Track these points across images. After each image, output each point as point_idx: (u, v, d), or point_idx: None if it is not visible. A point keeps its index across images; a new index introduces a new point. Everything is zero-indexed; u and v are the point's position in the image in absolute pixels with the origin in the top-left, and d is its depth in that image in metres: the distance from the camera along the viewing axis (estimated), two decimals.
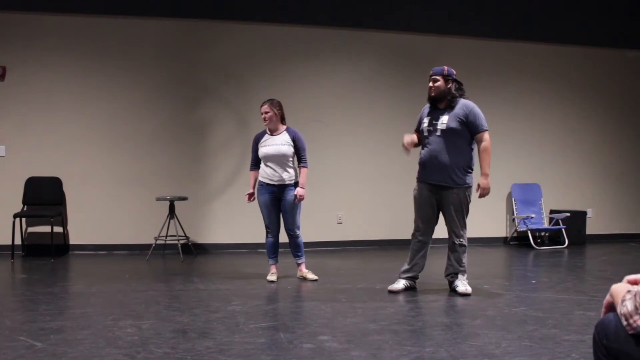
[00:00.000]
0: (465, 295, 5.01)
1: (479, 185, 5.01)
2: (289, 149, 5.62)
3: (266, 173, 5.67)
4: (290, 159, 5.67)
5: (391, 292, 5.17)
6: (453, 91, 5.04)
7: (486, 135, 5.00)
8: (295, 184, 5.67)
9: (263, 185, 5.69)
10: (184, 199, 7.42)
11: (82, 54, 7.75)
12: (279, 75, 8.18)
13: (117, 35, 7.83)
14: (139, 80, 7.87)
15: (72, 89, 7.72)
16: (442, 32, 8.66)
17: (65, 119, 7.69)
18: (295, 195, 5.61)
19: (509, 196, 8.96)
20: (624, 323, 1.95)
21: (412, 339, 3.67)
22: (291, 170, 5.68)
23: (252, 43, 8.14)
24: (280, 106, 5.71)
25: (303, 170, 5.71)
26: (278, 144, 5.62)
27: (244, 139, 8.03)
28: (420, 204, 5.22)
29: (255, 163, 5.82)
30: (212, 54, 8.05)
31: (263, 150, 5.66)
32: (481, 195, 5.05)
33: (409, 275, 5.27)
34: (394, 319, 4.20)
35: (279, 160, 5.62)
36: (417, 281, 5.32)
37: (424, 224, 5.21)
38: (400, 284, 5.24)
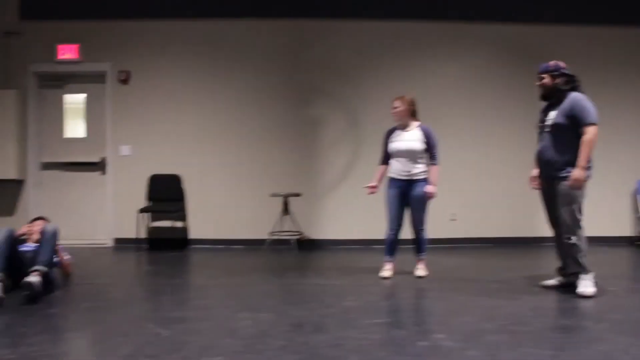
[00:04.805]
0: (585, 296, 4.74)
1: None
2: (419, 145, 5.56)
3: (395, 168, 5.65)
4: (421, 155, 5.61)
5: (544, 286, 5.11)
6: (560, 86, 4.86)
7: (589, 129, 4.70)
8: (424, 180, 5.60)
9: (392, 179, 5.69)
10: (298, 195, 7.53)
11: (198, 57, 8.08)
12: (388, 71, 8.12)
13: (231, 38, 8.09)
14: (253, 80, 8.08)
15: (190, 91, 8.07)
16: (552, 21, 8.23)
17: (184, 119, 8.05)
18: (425, 193, 5.56)
19: (634, 193, 8.41)
20: None
21: (531, 341, 3.51)
22: (421, 166, 5.61)
23: (362, 40, 8.14)
24: (411, 102, 5.67)
25: (434, 167, 5.64)
26: (408, 139, 5.59)
27: (355, 136, 8.07)
28: (543, 200, 5.09)
29: (385, 158, 5.80)
30: (323, 53, 8.12)
31: (393, 146, 5.65)
32: (571, 187, 4.78)
33: (563, 272, 5.11)
34: (511, 319, 4.04)
35: (409, 156, 5.58)
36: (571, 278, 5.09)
37: (550, 220, 5.05)
38: (554, 280, 5.15)
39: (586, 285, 4.81)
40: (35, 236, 5.05)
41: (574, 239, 4.82)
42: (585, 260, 4.85)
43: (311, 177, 8.10)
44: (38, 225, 5.23)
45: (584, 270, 4.87)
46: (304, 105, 8.13)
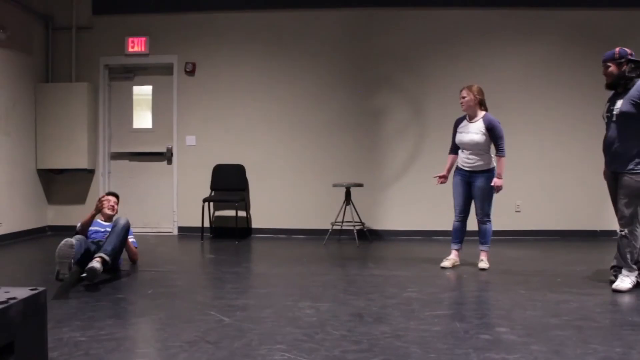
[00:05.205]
0: (618, 291, 4.57)
1: None
2: (481, 138, 5.47)
3: (460, 158, 5.68)
4: (484, 147, 5.51)
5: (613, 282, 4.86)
6: (627, 74, 4.66)
7: None
8: (488, 171, 5.52)
9: (457, 168, 5.71)
10: (360, 185, 7.52)
11: (262, 48, 8.14)
12: (453, 60, 7.97)
13: (295, 28, 8.11)
14: (316, 70, 8.10)
15: (254, 81, 8.15)
16: (626, 5, 7.87)
17: (248, 109, 8.15)
18: (491, 185, 5.48)
19: None
20: None
21: (598, 337, 3.39)
22: (485, 158, 5.53)
23: (428, 29, 8.01)
24: (479, 91, 5.56)
25: (500, 159, 5.52)
26: (472, 132, 5.51)
27: (419, 126, 7.98)
28: (610, 192, 4.89)
29: (453, 147, 5.79)
30: (387, 42, 8.04)
31: (458, 137, 5.64)
32: None
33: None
34: (577, 315, 3.91)
35: (471, 147, 5.53)
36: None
37: (617, 213, 4.85)
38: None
39: (623, 281, 4.64)
40: (108, 211, 5.35)
41: (626, 232, 4.64)
42: (631, 257, 4.66)
43: (374, 168, 8.06)
44: (109, 202, 5.46)
45: (627, 266, 4.69)
46: (367, 95, 8.08)
